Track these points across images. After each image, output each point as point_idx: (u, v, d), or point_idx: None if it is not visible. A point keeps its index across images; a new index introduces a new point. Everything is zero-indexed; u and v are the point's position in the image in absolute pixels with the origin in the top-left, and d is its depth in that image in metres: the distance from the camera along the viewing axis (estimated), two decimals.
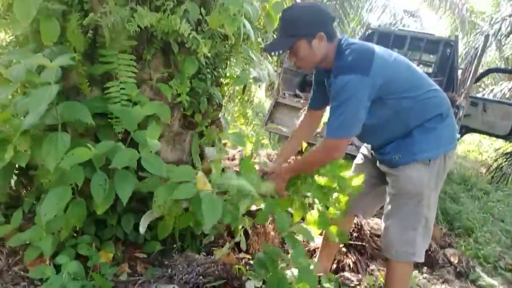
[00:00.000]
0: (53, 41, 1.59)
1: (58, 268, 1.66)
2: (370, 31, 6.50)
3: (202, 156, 2.30)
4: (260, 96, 10.46)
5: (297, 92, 4.82)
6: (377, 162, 1.87)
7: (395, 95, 1.59)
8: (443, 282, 2.59)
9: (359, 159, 2.07)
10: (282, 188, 1.78)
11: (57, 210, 1.50)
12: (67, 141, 1.48)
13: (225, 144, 3.39)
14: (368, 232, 2.81)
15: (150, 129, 1.69)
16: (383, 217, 1.87)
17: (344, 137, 1.58)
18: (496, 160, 5.99)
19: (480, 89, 14.78)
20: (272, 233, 2.39)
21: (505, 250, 3.42)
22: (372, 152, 1.93)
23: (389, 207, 1.82)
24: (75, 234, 1.87)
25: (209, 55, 1.82)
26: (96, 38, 1.74)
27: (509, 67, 11.37)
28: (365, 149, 2.05)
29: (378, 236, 2.80)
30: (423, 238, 1.77)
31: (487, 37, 4.62)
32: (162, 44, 1.84)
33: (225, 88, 2.31)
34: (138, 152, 1.63)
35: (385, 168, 1.80)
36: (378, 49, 1.58)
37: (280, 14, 1.58)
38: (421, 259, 1.80)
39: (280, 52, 1.57)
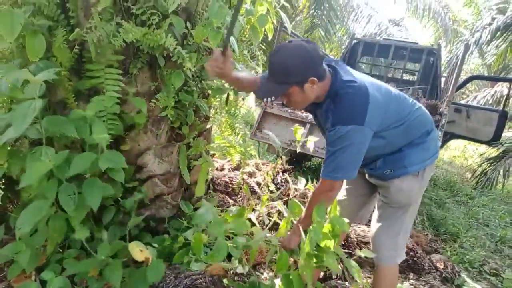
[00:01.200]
0: (39, 57, 1.59)
1: (44, 284, 1.65)
2: (355, 41, 6.62)
3: (189, 168, 2.32)
4: (249, 106, 10.51)
5: (285, 102, 4.86)
6: (366, 176, 1.94)
7: (388, 128, 1.65)
8: None
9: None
10: (297, 242, 1.81)
11: (35, 224, 1.49)
12: (51, 156, 1.48)
13: (213, 155, 3.41)
14: (355, 240, 2.84)
15: (95, 127, 1.64)
16: (372, 221, 1.97)
17: (338, 179, 1.62)
18: (480, 165, 6.10)
19: (464, 96, 15.09)
20: None
21: (490, 255, 3.49)
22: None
23: (379, 213, 1.93)
24: (60, 250, 1.86)
25: (194, 69, 1.85)
26: (82, 53, 1.75)
27: (491, 74, 11.66)
28: None
29: (365, 243, 2.83)
30: (403, 241, 1.93)
31: (467, 46, 4.75)
32: (149, 58, 1.86)
33: (212, 99, 2.34)
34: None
35: (376, 181, 1.89)
36: (371, 87, 1.58)
37: (269, 57, 1.55)
38: (402, 257, 1.94)
39: (273, 99, 1.57)
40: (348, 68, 1.70)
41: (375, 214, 1.95)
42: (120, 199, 1.99)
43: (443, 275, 2.82)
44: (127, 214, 2.05)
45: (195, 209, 2.38)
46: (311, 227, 1.62)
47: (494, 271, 3.12)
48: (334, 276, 2.32)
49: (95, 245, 1.95)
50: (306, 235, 1.70)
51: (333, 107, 1.57)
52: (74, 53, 1.67)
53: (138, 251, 1.65)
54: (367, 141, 1.57)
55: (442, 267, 2.93)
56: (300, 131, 2.80)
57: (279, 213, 2.68)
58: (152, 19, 1.66)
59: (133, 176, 2.03)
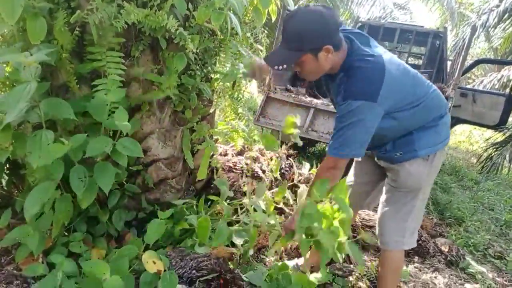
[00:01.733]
0: (40, 40, 1.58)
1: (51, 266, 1.67)
2: (360, 24, 6.52)
3: (193, 152, 2.31)
4: (252, 91, 10.46)
5: (288, 86, 4.83)
6: (375, 158, 1.89)
7: (402, 108, 1.58)
8: (433, 271, 2.64)
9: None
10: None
11: (41, 206, 1.50)
12: (51, 139, 1.48)
13: (216, 140, 3.40)
14: (360, 224, 2.85)
15: (117, 114, 1.66)
16: (379, 205, 1.93)
17: (342, 157, 1.56)
18: (486, 150, 6.05)
19: (470, 80, 14.92)
20: None
21: (494, 238, 3.49)
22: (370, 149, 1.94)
23: (386, 197, 1.88)
24: (66, 233, 1.88)
25: (197, 50, 1.83)
26: (83, 36, 1.73)
27: (498, 58, 11.49)
28: None
29: (370, 227, 2.84)
30: (413, 228, 1.85)
31: (474, 28, 4.66)
32: (150, 41, 1.84)
33: (215, 83, 2.32)
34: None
35: (385, 164, 1.83)
36: (388, 63, 1.51)
37: (283, 22, 1.52)
38: (411, 245, 1.87)
39: (285, 67, 1.51)
40: (369, 38, 1.62)
41: (383, 198, 1.90)
42: (124, 182, 2.00)
43: (448, 258, 2.82)
44: (131, 198, 2.06)
45: (197, 194, 2.39)
46: (307, 201, 1.58)
47: (499, 254, 3.12)
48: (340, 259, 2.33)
49: (100, 228, 1.98)
50: None
51: (346, 80, 1.51)
52: (75, 36, 1.65)
53: (152, 262, 1.67)
54: (376, 120, 1.51)
55: (447, 250, 2.93)
56: (296, 121, 2.53)
57: (284, 198, 2.67)
58: (154, 0, 1.63)
59: (137, 160, 2.03)
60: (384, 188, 1.92)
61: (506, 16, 7.34)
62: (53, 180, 1.57)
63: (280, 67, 1.50)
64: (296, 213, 1.74)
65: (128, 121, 1.87)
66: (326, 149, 1.59)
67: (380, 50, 1.57)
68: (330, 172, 1.60)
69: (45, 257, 1.77)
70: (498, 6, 7.39)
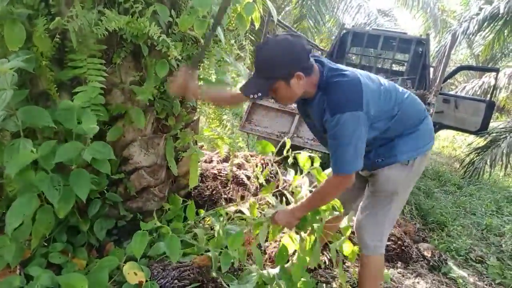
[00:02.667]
0: (18, 46, 1.55)
1: (29, 278, 1.63)
2: (344, 31, 6.60)
3: (177, 159, 2.29)
4: None
5: (272, 98, 4.85)
6: None
7: (381, 117, 1.63)
8: (416, 276, 2.66)
9: None
10: (293, 226, 1.84)
11: (23, 219, 1.46)
12: (29, 148, 1.45)
13: (201, 147, 3.38)
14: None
15: (85, 118, 1.63)
16: (358, 211, 1.96)
17: (351, 172, 1.59)
18: (468, 155, 6.17)
19: (453, 87, 15.24)
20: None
21: (476, 243, 3.54)
22: None
23: (365, 203, 1.92)
24: (45, 244, 1.83)
25: (180, 58, 1.82)
26: (64, 43, 1.71)
27: (479, 65, 11.77)
28: None
29: (352, 233, 2.85)
30: (387, 231, 1.93)
31: (454, 35, 4.78)
32: (133, 47, 1.82)
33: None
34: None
35: (365, 172, 1.88)
36: (361, 76, 1.60)
37: (255, 52, 1.52)
38: (383, 250, 1.94)
39: (259, 95, 1.54)
40: (335, 63, 1.69)
41: (362, 204, 1.94)
42: (105, 191, 1.96)
43: (431, 263, 2.86)
44: (113, 207, 2.02)
45: (184, 201, 2.37)
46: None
47: (480, 259, 3.17)
48: (322, 266, 2.34)
49: (81, 238, 1.94)
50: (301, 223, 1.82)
51: (327, 97, 1.55)
52: (55, 43, 1.63)
53: (133, 273, 1.64)
54: (366, 128, 1.55)
55: (429, 255, 2.96)
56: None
57: (269, 205, 2.67)
58: (135, 7, 1.62)
59: (118, 168, 2.00)
60: (364, 194, 1.96)
61: (485, 24, 7.54)
62: (34, 192, 1.53)
63: (255, 96, 1.53)
64: (292, 215, 1.80)
65: (109, 129, 1.86)
66: (331, 169, 1.63)
67: (350, 69, 1.66)
68: (343, 187, 1.64)
69: (22, 269, 1.72)
70: (478, 14, 7.59)
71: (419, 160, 1.78)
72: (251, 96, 1.54)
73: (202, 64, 2.19)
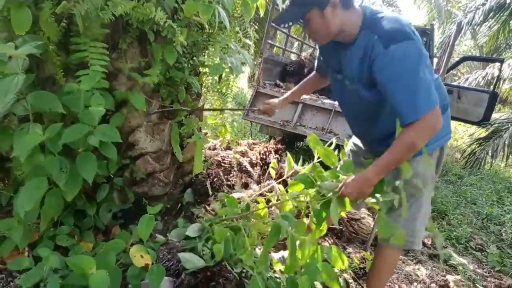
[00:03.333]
0: (25, 30, 1.56)
1: (37, 259, 1.66)
2: None
3: (182, 146, 2.31)
4: (242, 86, 10.45)
5: (278, 82, 4.85)
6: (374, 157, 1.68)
7: None
8: (416, 263, 2.70)
9: (348, 157, 2.00)
10: (366, 194, 1.50)
11: (34, 202, 1.49)
12: (39, 132, 1.47)
13: (205, 134, 3.40)
14: (346, 217, 2.89)
15: (93, 101, 1.64)
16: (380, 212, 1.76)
17: (433, 106, 1.33)
18: (469, 146, 6.18)
19: (456, 78, 15.16)
20: None
21: (476, 231, 3.58)
22: (369, 147, 1.84)
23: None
24: (52, 227, 1.86)
25: (186, 43, 1.82)
26: (70, 27, 1.71)
27: (483, 55, 11.69)
28: (352, 145, 2.02)
29: (355, 220, 2.88)
30: (421, 226, 1.75)
31: (459, 25, 4.74)
32: (138, 33, 1.83)
33: (204, 77, 2.32)
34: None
35: None
36: None
37: None
38: (420, 246, 1.76)
39: (290, 24, 1.45)
40: None
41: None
42: (112, 176, 1.99)
43: (431, 251, 2.89)
44: (119, 192, 2.05)
45: (186, 188, 2.40)
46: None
47: (480, 247, 3.21)
48: None
49: (88, 221, 1.97)
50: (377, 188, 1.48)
51: (375, 31, 1.38)
52: (61, 27, 1.63)
53: (139, 256, 1.67)
54: (424, 57, 1.34)
55: (429, 243, 3.00)
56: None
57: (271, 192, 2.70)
58: None
59: (124, 153, 2.02)
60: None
61: (491, 14, 7.47)
62: (43, 176, 1.56)
63: (286, 25, 1.45)
64: (375, 174, 1.45)
65: (114, 115, 1.87)
66: (403, 119, 1.35)
67: None
68: (435, 128, 1.37)
69: (31, 251, 1.76)
70: (484, 4, 7.52)
71: (439, 152, 1.68)
72: (283, 25, 1.46)
73: (207, 51, 2.20)
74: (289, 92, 2.17)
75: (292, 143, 5.40)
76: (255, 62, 4.74)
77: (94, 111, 1.57)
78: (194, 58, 2.10)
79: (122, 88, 1.88)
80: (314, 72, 2.07)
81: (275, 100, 2.13)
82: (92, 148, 1.67)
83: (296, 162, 2.25)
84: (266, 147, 3.70)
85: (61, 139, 1.52)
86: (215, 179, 2.70)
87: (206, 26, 1.76)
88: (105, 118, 1.90)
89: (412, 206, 1.70)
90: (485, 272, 2.79)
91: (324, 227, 1.76)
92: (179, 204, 2.45)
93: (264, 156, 3.54)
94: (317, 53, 2.06)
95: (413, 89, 1.31)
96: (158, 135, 2.08)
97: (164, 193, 2.26)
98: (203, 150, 2.56)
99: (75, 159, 1.62)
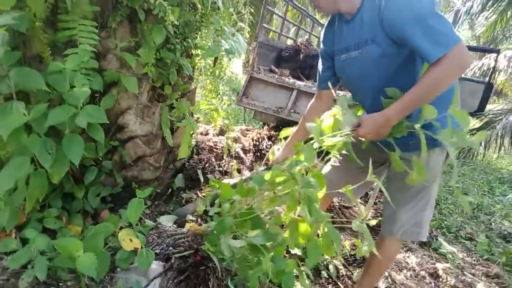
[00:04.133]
0: (10, 6, 1.49)
1: (25, 241, 1.64)
2: None
3: (173, 129, 2.28)
4: (237, 71, 10.35)
5: (273, 67, 4.78)
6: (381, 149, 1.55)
7: None
8: (407, 251, 2.72)
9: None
10: (385, 134, 1.39)
11: (15, 182, 1.45)
12: (22, 110, 1.42)
13: (197, 119, 3.36)
14: (337, 204, 2.89)
15: (77, 81, 1.58)
16: (388, 205, 1.66)
17: (460, 40, 1.26)
18: None
19: None
20: None
21: (466, 221, 3.61)
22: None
23: (399, 195, 1.65)
24: (40, 209, 1.83)
25: (177, 23, 1.77)
26: (58, 4, 1.65)
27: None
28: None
29: (347, 208, 2.89)
30: (428, 218, 1.73)
31: (456, 13, 4.69)
32: (129, 11, 1.77)
33: (196, 60, 2.27)
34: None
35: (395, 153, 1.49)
36: None
37: None
38: (425, 237, 1.74)
39: None
40: None
41: (393, 196, 1.55)
42: (101, 159, 1.96)
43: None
44: (108, 175, 2.02)
45: (177, 173, 2.37)
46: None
47: (469, 236, 3.24)
48: None
49: (76, 204, 1.94)
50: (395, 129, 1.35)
51: None
52: (49, 3, 1.57)
53: (128, 240, 1.64)
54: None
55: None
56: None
57: None
58: None
59: (113, 136, 1.98)
60: (391, 186, 1.70)
61: (489, 3, 7.41)
62: (26, 156, 1.52)
63: None
64: (398, 111, 1.34)
65: (103, 96, 1.82)
66: (429, 55, 1.26)
67: None
68: (465, 63, 1.29)
69: (18, 233, 1.73)
70: None
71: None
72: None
73: (199, 32, 2.15)
74: (284, 146, 1.91)
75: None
76: (250, 47, 4.67)
77: (78, 92, 1.51)
78: (187, 39, 2.04)
79: (111, 68, 1.83)
80: (313, 101, 1.89)
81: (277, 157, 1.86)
82: (79, 130, 1.63)
83: None
84: (260, 134, 3.67)
85: (47, 120, 1.48)
86: (206, 165, 2.67)
87: (199, 6, 1.71)
88: (94, 99, 1.86)
89: (423, 198, 1.65)
90: (474, 260, 2.82)
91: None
92: (170, 189, 2.43)
93: (257, 143, 3.51)
94: (316, 43, 1.99)
95: (434, 25, 1.26)
96: (148, 118, 2.04)
97: (155, 177, 2.23)
98: (193, 135, 2.52)
99: (61, 139, 1.58)
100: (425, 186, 1.61)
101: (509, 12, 7.86)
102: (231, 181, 1.80)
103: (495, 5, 7.58)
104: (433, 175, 1.58)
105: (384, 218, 1.77)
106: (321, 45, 1.76)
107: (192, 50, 2.20)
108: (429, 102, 1.33)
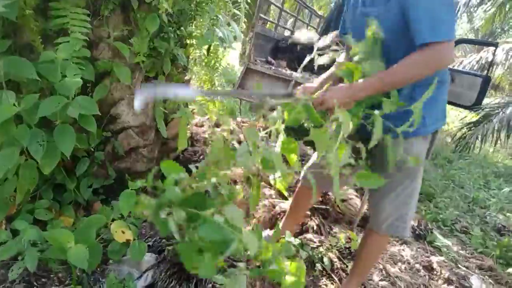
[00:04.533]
0: None
1: (15, 233, 1.61)
2: None
3: (167, 121, 2.25)
4: (233, 63, 10.28)
5: (269, 58, 4.74)
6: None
7: None
8: (402, 244, 2.71)
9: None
10: (349, 104, 1.33)
11: (5, 172, 1.43)
12: (12, 100, 1.39)
13: (192, 111, 3.33)
14: (332, 197, 2.88)
15: (69, 71, 1.56)
16: (373, 194, 1.71)
17: (452, 37, 1.26)
18: (460, 130, 6.19)
19: None
20: None
21: (462, 214, 3.61)
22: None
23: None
24: (31, 200, 1.81)
25: (172, 12, 1.73)
26: None
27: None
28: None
29: (343, 200, 2.87)
30: (412, 213, 1.69)
31: (455, 5, 4.64)
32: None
33: (191, 49, 2.23)
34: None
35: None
36: None
37: None
38: (408, 233, 1.70)
39: None
40: None
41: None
42: (93, 150, 1.93)
43: (417, 232, 2.91)
44: (100, 166, 2.00)
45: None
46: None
47: (464, 229, 3.24)
48: (310, 230, 2.36)
49: (68, 196, 1.92)
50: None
51: None
52: None
53: (120, 232, 1.62)
54: None
55: (416, 224, 3.01)
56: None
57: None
58: None
59: (106, 126, 1.95)
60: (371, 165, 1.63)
61: None
62: (17, 146, 1.49)
63: None
64: (353, 88, 1.32)
65: (95, 86, 1.79)
66: (417, 39, 1.26)
67: None
68: (437, 63, 1.28)
69: (8, 224, 1.71)
70: None
71: (433, 135, 1.57)
72: None
73: (194, 21, 2.11)
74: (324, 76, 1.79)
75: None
76: (246, 38, 4.62)
77: (70, 82, 1.48)
78: (181, 28, 2.00)
79: (104, 57, 1.79)
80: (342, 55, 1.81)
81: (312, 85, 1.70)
82: (71, 121, 1.60)
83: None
84: (255, 126, 3.65)
85: (38, 111, 1.45)
86: (201, 157, 2.65)
87: None
88: (86, 89, 1.83)
89: (407, 188, 1.61)
90: (468, 254, 2.83)
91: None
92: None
93: None
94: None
95: (441, 11, 1.24)
96: (141, 109, 2.01)
97: (148, 169, 2.20)
98: (188, 126, 2.49)
99: (52, 130, 1.55)
100: (409, 174, 1.57)
101: (507, 5, 7.82)
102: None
103: None
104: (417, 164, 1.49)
105: (370, 209, 1.76)
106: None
107: (187, 40, 2.16)
108: (398, 87, 1.32)
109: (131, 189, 1.67)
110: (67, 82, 1.49)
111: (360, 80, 1.31)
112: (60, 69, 1.52)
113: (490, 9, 8.16)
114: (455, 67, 9.71)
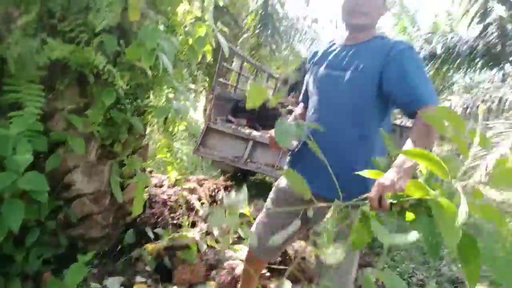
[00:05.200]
0: None
1: None
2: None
3: (123, 185, 2.26)
4: (197, 119, 10.46)
5: (230, 117, 4.92)
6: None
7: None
8: None
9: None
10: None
11: None
12: None
13: (151, 172, 3.35)
14: (293, 256, 2.91)
15: (20, 147, 1.56)
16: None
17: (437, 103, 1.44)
18: None
19: (399, 116, 16.05)
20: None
21: (418, 266, 3.72)
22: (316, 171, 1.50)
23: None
24: None
25: (128, 86, 1.83)
26: (3, 67, 1.67)
27: None
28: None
29: (302, 259, 2.91)
30: (352, 277, 1.64)
31: None
32: (78, 75, 1.81)
33: (148, 117, 2.31)
34: None
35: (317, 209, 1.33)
36: None
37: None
38: None
39: None
40: None
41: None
42: (43, 220, 1.89)
43: None
44: (51, 235, 1.95)
45: (127, 229, 2.33)
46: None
47: (421, 282, 3.34)
48: None
49: (15, 267, 1.84)
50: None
51: (390, 39, 1.54)
52: None
53: None
54: None
55: (373, 280, 3.07)
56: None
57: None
58: (82, 37, 1.63)
59: (59, 194, 1.94)
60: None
61: (425, 62, 8.21)
62: None
63: None
64: (405, 173, 1.12)
65: (49, 156, 1.81)
66: (420, 102, 1.34)
67: None
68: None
69: None
70: (418, 53, 8.22)
71: None
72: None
73: (152, 91, 2.21)
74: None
75: (245, 177, 5.43)
76: (209, 96, 4.79)
77: (21, 159, 1.50)
78: (137, 99, 2.09)
79: (58, 128, 1.83)
80: (301, 105, 1.94)
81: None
82: (21, 191, 1.60)
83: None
84: (216, 184, 3.70)
85: None
86: (159, 219, 2.64)
87: (149, 72, 1.78)
88: (39, 159, 1.83)
89: (347, 257, 1.46)
90: None
91: None
92: (119, 246, 2.36)
93: (214, 193, 3.52)
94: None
95: (425, 80, 1.42)
96: (96, 176, 2.03)
97: (103, 235, 2.17)
98: (146, 189, 2.51)
99: (2, 203, 1.54)
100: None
101: (444, 68, 8.69)
102: None
103: (430, 63, 8.42)
104: None
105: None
106: (309, 63, 1.79)
107: (144, 108, 2.25)
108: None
109: (80, 262, 1.65)
110: (18, 159, 1.51)
111: (398, 164, 1.17)
112: (12, 144, 1.54)
113: (430, 72, 8.96)
114: (402, 123, 10.40)
